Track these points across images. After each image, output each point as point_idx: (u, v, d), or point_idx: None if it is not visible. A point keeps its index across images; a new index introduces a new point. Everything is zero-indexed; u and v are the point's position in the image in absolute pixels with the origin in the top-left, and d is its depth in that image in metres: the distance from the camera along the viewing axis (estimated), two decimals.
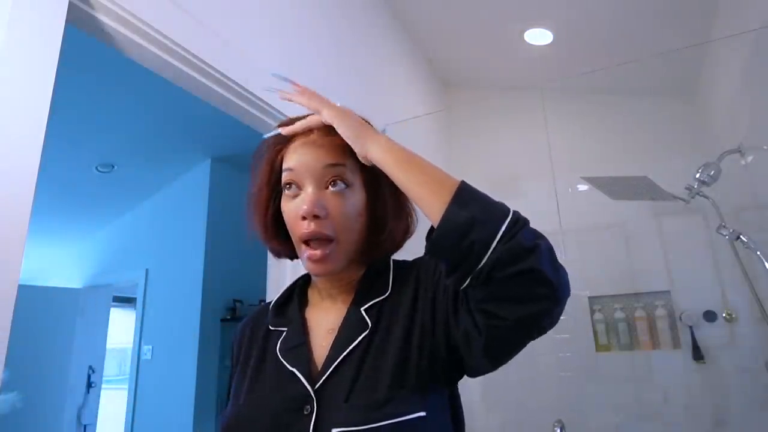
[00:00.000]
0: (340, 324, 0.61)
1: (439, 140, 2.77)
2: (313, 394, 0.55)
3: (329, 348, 0.59)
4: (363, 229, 0.63)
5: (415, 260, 0.67)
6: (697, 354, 1.99)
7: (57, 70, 0.77)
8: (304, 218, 0.59)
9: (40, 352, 3.53)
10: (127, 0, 0.91)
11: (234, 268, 3.40)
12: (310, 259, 0.60)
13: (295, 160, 0.61)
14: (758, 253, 1.62)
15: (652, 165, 2.04)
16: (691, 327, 2.03)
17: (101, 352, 4.06)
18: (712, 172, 1.83)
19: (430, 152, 2.61)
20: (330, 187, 0.60)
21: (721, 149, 1.89)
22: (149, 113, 2.76)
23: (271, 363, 0.62)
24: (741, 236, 1.71)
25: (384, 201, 0.64)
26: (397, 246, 0.69)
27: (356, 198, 0.62)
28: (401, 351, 0.57)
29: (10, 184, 0.68)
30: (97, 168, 3.27)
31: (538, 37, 2.37)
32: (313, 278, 0.70)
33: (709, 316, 2.02)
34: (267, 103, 1.27)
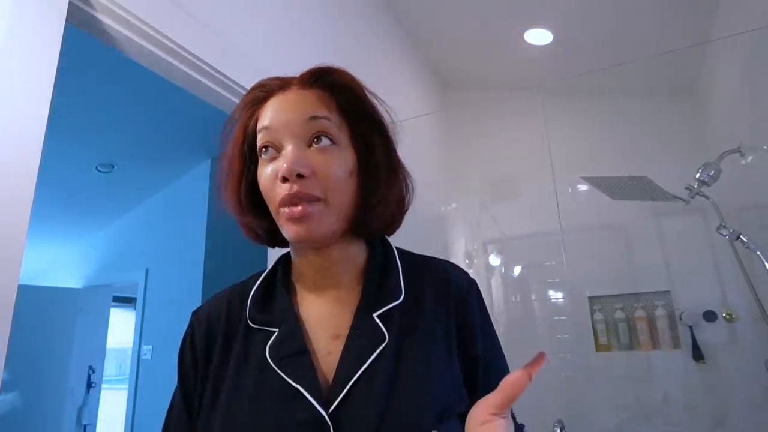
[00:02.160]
0: (348, 329, 0.52)
1: (439, 140, 2.77)
2: (328, 420, 0.45)
3: (338, 359, 0.49)
4: (354, 193, 0.54)
5: (447, 271, 0.59)
6: (697, 354, 1.99)
7: (57, 70, 0.77)
8: (285, 180, 0.49)
9: (40, 352, 3.52)
10: (127, 0, 0.91)
11: (234, 268, 3.39)
12: (289, 218, 0.50)
13: (270, 117, 0.53)
14: (758, 253, 1.62)
15: (652, 165, 2.04)
16: (691, 327, 2.03)
17: (101, 352, 4.06)
18: (712, 172, 1.83)
19: (430, 153, 2.61)
20: (314, 144, 0.51)
21: (721, 149, 1.89)
22: (149, 113, 2.76)
23: (261, 375, 0.50)
24: (741, 236, 1.71)
25: (376, 162, 0.55)
26: (393, 220, 0.59)
27: (345, 157, 0.53)
28: (441, 378, 0.50)
29: (11, 185, 0.68)
30: (97, 168, 3.27)
31: (538, 37, 2.37)
32: (299, 264, 0.58)
33: (709, 316, 2.02)
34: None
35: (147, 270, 3.61)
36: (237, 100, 1.20)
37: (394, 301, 0.53)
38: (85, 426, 3.77)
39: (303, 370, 0.49)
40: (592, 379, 2.16)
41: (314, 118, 0.52)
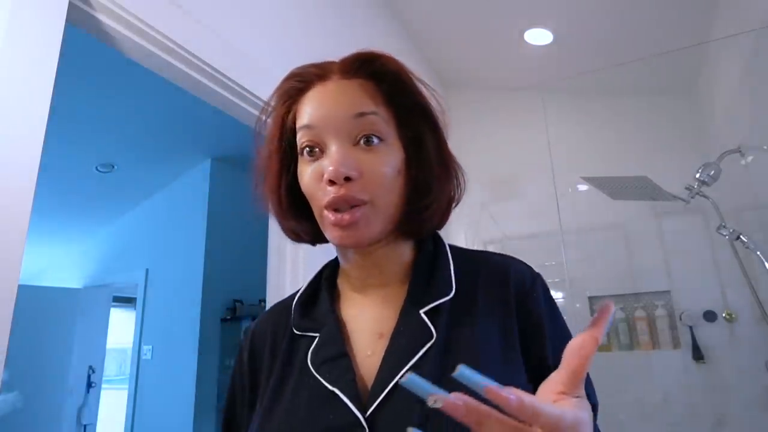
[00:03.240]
0: (393, 328, 0.48)
1: None
2: (364, 423, 0.42)
3: (381, 360, 0.46)
4: (403, 194, 0.50)
5: (506, 266, 0.54)
6: (697, 354, 1.99)
7: (57, 70, 0.77)
8: (331, 183, 0.46)
9: (40, 352, 3.53)
10: (127, 0, 0.91)
11: (234, 268, 3.40)
12: (337, 225, 0.46)
13: (311, 114, 0.48)
14: (758, 253, 1.63)
15: (652, 165, 2.04)
16: (691, 327, 2.03)
17: (101, 352, 4.06)
18: (712, 172, 1.83)
19: None
20: (361, 142, 0.47)
21: (721, 149, 1.89)
22: (149, 113, 2.76)
23: (301, 380, 0.49)
24: (741, 236, 1.71)
25: (427, 158, 0.51)
26: (443, 218, 0.55)
27: (393, 154, 0.49)
28: (494, 379, 0.45)
29: (11, 184, 0.68)
30: (97, 168, 3.28)
31: (538, 37, 2.37)
32: (343, 264, 0.56)
33: (709, 316, 2.02)
34: (267, 103, 1.27)
35: (147, 270, 3.61)
36: (237, 100, 1.20)
37: (444, 297, 0.49)
38: (85, 426, 3.77)
39: (341, 372, 0.46)
40: (593, 379, 2.16)
41: (362, 114, 0.47)
